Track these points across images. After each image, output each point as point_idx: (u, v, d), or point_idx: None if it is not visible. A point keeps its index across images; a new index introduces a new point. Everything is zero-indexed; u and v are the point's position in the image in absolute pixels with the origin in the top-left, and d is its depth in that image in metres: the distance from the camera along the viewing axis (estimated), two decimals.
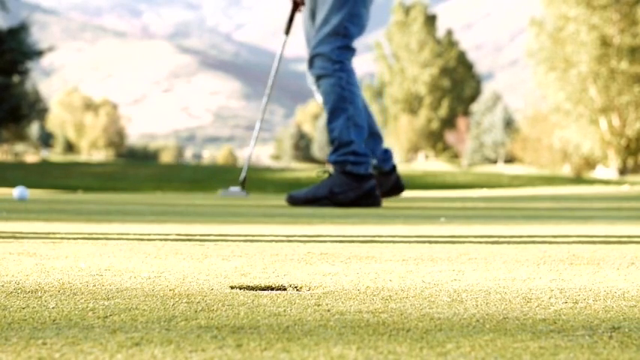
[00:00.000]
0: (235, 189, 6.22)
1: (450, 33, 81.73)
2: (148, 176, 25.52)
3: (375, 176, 5.49)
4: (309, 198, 5.12)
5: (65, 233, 2.81)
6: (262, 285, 1.63)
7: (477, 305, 1.38)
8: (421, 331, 1.16)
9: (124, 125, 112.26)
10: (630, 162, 38.81)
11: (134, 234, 2.84)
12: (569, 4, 35.94)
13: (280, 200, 6.60)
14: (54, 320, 1.22)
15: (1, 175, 20.71)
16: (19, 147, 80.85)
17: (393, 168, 5.67)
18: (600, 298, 1.47)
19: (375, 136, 5.58)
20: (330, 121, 5.17)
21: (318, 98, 5.44)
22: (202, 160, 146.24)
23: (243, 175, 6.22)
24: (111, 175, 26.17)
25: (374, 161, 5.54)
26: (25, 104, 38.65)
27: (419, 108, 78.74)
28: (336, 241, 2.64)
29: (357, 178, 5.08)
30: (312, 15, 5.47)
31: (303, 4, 5.51)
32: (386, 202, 5.54)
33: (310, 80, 5.44)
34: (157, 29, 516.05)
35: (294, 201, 5.19)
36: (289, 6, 5.73)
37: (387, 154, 5.66)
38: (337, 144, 5.14)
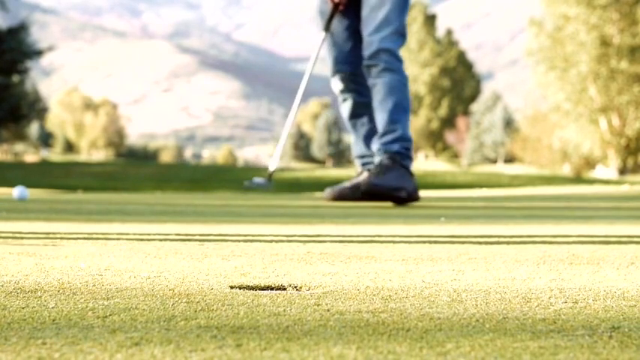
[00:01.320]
0: (260, 180, 6.08)
1: (449, 33, 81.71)
2: (147, 176, 25.51)
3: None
4: (385, 189, 5.07)
5: (65, 233, 2.81)
6: (262, 285, 1.63)
7: (477, 305, 1.38)
8: (421, 330, 1.16)
9: (124, 125, 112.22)
10: (630, 162, 38.80)
11: (134, 234, 2.84)
12: (569, 3, 35.94)
13: (280, 200, 6.59)
14: (54, 320, 1.22)
15: (0, 175, 20.71)
16: (19, 147, 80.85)
17: None
18: (600, 298, 1.47)
19: None
20: (393, 113, 5.29)
21: (345, 109, 5.62)
22: (202, 160, 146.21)
23: (272, 167, 6.08)
24: (111, 175, 26.16)
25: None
26: (24, 104, 38.65)
27: (419, 108, 78.70)
28: (335, 241, 2.63)
29: (410, 174, 5.27)
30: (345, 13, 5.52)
31: (342, 5, 5.55)
32: (386, 202, 5.54)
33: (337, 86, 5.56)
34: (156, 29, 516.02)
35: (374, 192, 5.12)
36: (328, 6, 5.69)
37: None
38: (399, 136, 5.27)
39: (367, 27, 5.40)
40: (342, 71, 5.60)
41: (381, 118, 5.34)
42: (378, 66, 5.33)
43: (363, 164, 5.69)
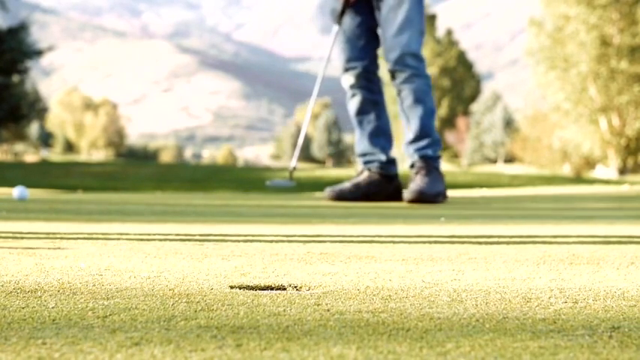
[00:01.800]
0: (281, 180, 6.03)
1: (449, 33, 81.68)
2: (147, 176, 25.50)
3: (380, 178, 5.54)
4: (431, 196, 5.23)
5: (65, 233, 2.81)
6: (262, 285, 1.63)
7: (477, 305, 1.38)
8: (421, 330, 1.16)
9: (124, 125, 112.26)
10: (630, 162, 38.79)
11: (134, 234, 2.84)
12: (569, 3, 35.93)
13: (280, 200, 6.59)
14: (53, 320, 1.22)
15: (0, 175, 20.71)
16: (19, 147, 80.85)
17: (396, 175, 5.73)
18: (600, 298, 1.47)
19: (389, 138, 5.74)
20: (425, 119, 5.44)
21: (353, 105, 5.62)
22: (202, 160, 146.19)
23: (292, 165, 6.04)
24: (111, 175, 26.15)
25: (382, 158, 5.64)
26: (24, 104, 38.62)
27: None
28: (335, 241, 2.63)
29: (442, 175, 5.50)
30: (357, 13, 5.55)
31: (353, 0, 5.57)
32: (386, 203, 5.54)
33: (347, 81, 5.58)
34: (156, 29, 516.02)
35: (427, 198, 5.25)
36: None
37: (393, 160, 5.72)
38: (432, 141, 5.44)
39: (388, 28, 5.43)
40: (354, 67, 5.60)
41: (412, 124, 5.46)
42: (405, 72, 5.42)
43: (365, 162, 5.68)
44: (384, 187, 5.62)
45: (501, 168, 64.93)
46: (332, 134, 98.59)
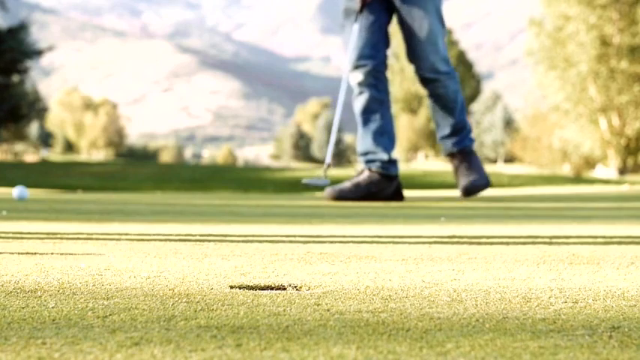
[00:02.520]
0: (317, 179, 5.98)
1: (449, 33, 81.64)
2: (147, 176, 25.49)
3: (380, 178, 5.54)
4: (483, 186, 5.82)
5: (65, 233, 2.81)
6: (262, 285, 1.63)
7: (477, 305, 1.38)
8: (421, 330, 1.16)
9: (124, 125, 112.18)
10: (630, 161, 38.77)
11: (134, 234, 2.84)
12: (570, 3, 35.91)
13: (280, 200, 6.59)
14: (53, 320, 1.22)
15: (0, 175, 20.71)
16: (19, 146, 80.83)
17: (396, 175, 5.72)
18: (600, 298, 1.47)
19: (392, 138, 5.76)
20: (459, 115, 5.86)
21: (359, 102, 5.67)
22: (202, 160, 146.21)
23: (327, 162, 5.98)
24: (111, 175, 26.16)
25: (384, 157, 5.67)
26: (24, 104, 38.63)
27: (419, 107, 78.67)
28: (335, 241, 2.63)
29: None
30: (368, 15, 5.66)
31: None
32: (386, 202, 5.54)
33: (356, 78, 5.64)
34: (156, 29, 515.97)
35: (473, 191, 5.80)
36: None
37: (394, 160, 5.74)
38: (467, 132, 5.90)
39: (417, 37, 5.61)
40: (365, 65, 5.63)
41: (448, 120, 5.83)
42: (440, 77, 5.71)
43: (367, 161, 5.67)
44: (384, 186, 5.62)
45: (501, 168, 64.93)
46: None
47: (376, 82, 5.65)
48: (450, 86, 5.75)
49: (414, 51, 5.67)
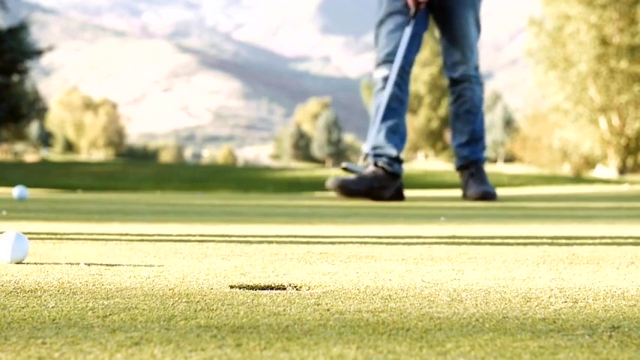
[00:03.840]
0: (357, 165, 5.96)
1: None
2: (147, 176, 25.48)
3: (385, 175, 5.56)
4: (491, 194, 5.84)
5: (65, 233, 2.81)
6: (262, 284, 1.63)
7: (477, 305, 1.38)
8: (421, 330, 1.16)
9: (124, 125, 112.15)
10: (630, 161, 38.77)
11: (134, 234, 2.84)
12: (570, 2, 35.91)
13: (280, 200, 6.59)
14: (53, 320, 1.22)
15: (0, 175, 20.70)
16: (19, 146, 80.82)
17: (400, 175, 5.76)
18: (600, 298, 1.47)
19: (403, 139, 5.82)
20: (480, 124, 6.02)
21: (380, 97, 5.72)
22: (202, 160, 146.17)
23: (365, 150, 5.83)
24: (110, 175, 26.14)
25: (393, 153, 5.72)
26: (24, 104, 38.61)
27: (418, 107, 78.67)
28: (335, 241, 2.63)
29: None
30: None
31: (423, 3, 5.75)
32: (386, 202, 5.54)
33: (382, 73, 5.73)
34: (156, 29, 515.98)
35: (490, 196, 5.81)
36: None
37: (401, 160, 5.82)
38: (484, 145, 6.04)
39: (459, 45, 5.83)
40: (391, 61, 5.73)
41: (467, 127, 5.96)
42: (470, 81, 5.90)
43: (375, 155, 5.71)
44: (387, 184, 5.64)
45: (501, 167, 64.94)
46: (332, 134, 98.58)
47: (400, 81, 5.76)
48: (477, 91, 5.94)
49: (452, 52, 5.86)
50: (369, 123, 5.92)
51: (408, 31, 5.71)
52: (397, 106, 5.76)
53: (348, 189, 5.61)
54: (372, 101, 5.86)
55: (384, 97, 5.71)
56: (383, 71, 5.74)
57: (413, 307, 1.35)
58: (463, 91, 5.92)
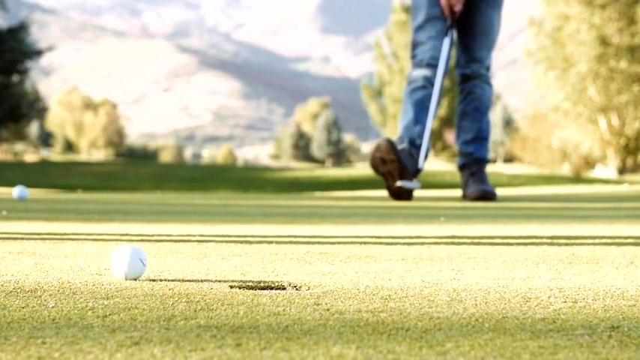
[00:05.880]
0: (411, 182, 5.95)
1: None
2: (147, 176, 25.48)
3: (410, 157, 5.82)
4: (491, 193, 5.88)
5: (65, 233, 2.81)
6: (262, 284, 1.63)
7: (477, 304, 1.38)
8: (420, 330, 1.16)
9: (124, 125, 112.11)
10: (629, 161, 38.76)
11: (134, 234, 2.84)
12: (569, 2, 35.90)
13: (280, 200, 6.59)
14: (53, 319, 1.22)
15: (0, 175, 20.70)
16: (19, 146, 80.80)
17: (419, 171, 5.92)
18: (599, 298, 1.47)
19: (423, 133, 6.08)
20: (487, 124, 6.13)
21: (420, 94, 5.98)
22: (202, 160, 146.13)
23: (419, 166, 5.94)
24: (110, 175, 26.14)
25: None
26: (24, 104, 38.59)
27: None
28: (335, 241, 2.63)
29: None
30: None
31: (459, 13, 5.98)
32: (386, 202, 5.54)
33: (424, 73, 5.96)
34: (156, 29, 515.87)
35: (490, 196, 5.87)
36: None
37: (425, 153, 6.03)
38: (488, 145, 6.12)
39: (478, 43, 6.01)
40: (434, 65, 5.97)
41: (474, 125, 6.08)
42: (482, 79, 6.07)
43: (406, 137, 5.98)
44: (409, 175, 5.74)
45: (501, 167, 64.92)
46: (332, 134, 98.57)
47: (434, 81, 6.02)
48: (487, 91, 6.11)
49: (469, 49, 6.04)
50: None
51: (447, 42, 5.98)
52: (429, 104, 6.05)
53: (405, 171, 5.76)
54: (408, 95, 6.07)
55: (419, 95, 5.97)
56: (425, 71, 5.98)
57: (413, 307, 1.35)
58: (474, 88, 6.07)
